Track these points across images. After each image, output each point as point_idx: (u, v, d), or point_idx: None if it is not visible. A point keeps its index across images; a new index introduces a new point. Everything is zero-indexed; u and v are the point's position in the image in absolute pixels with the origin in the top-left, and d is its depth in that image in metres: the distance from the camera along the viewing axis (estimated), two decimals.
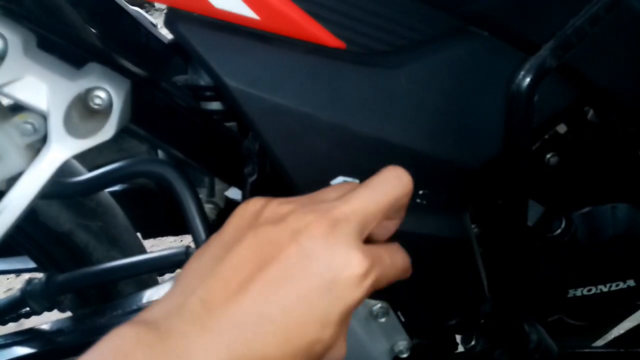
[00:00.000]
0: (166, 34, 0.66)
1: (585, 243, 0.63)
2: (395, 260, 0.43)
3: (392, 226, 0.46)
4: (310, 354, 0.35)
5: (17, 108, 0.53)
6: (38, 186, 0.48)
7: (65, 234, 0.73)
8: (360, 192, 0.41)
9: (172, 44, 0.65)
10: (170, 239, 1.76)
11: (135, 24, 0.64)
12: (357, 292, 0.37)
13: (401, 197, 0.42)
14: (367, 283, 0.37)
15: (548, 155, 0.63)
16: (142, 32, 0.65)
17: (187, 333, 0.32)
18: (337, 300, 0.36)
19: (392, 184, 0.42)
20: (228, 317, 0.33)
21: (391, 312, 0.59)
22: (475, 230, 0.63)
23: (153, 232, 0.96)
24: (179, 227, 0.94)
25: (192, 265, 0.38)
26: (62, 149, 0.47)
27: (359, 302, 0.38)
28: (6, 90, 0.46)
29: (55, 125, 0.47)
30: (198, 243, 0.55)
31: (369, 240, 0.41)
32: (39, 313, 0.68)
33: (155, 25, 0.70)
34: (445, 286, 0.60)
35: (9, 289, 1.80)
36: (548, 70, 0.50)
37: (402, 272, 0.45)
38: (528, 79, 0.50)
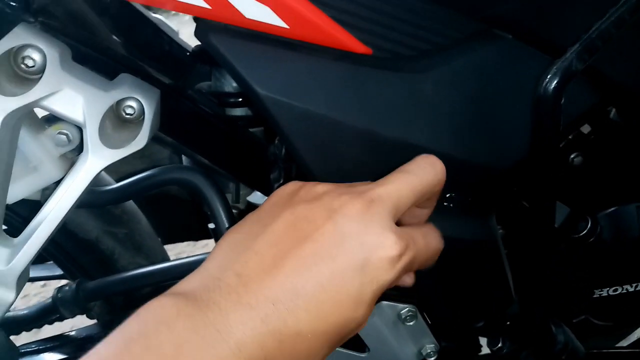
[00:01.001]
0: (186, 39, 0.67)
1: (611, 243, 0.63)
2: (429, 242, 0.43)
3: (422, 215, 0.46)
4: (342, 332, 0.36)
5: (51, 119, 0.54)
6: (75, 196, 0.49)
7: (92, 242, 0.74)
8: (395, 176, 0.41)
9: (196, 51, 0.66)
10: (183, 243, 1.76)
11: (157, 31, 0.65)
12: (390, 273, 0.37)
13: (434, 184, 0.43)
14: (400, 265, 0.38)
15: (572, 156, 0.63)
16: (165, 40, 0.65)
17: (224, 306, 0.33)
18: (371, 280, 0.36)
19: (425, 171, 0.43)
20: (263, 291, 0.34)
21: (419, 316, 0.59)
22: (501, 232, 0.64)
23: (173, 238, 0.97)
24: (198, 232, 0.96)
25: (227, 239, 0.38)
26: (97, 159, 0.48)
27: (392, 283, 0.38)
28: (45, 103, 0.47)
29: (92, 136, 0.48)
30: None
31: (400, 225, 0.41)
32: (65, 319, 0.69)
33: (176, 32, 0.71)
34: (472, 288, 0.60)
35: (25, 295, 1.81)
36: (574, 73, 0.50)
37: (435, 254, 0.45)
38: (555, 82, 0.50)
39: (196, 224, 0.91)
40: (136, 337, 0.32)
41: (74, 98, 0.48)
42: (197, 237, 0.98)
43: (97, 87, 0.49)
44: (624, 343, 0.77)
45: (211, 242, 0.90)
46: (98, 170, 0.48)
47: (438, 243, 0.45)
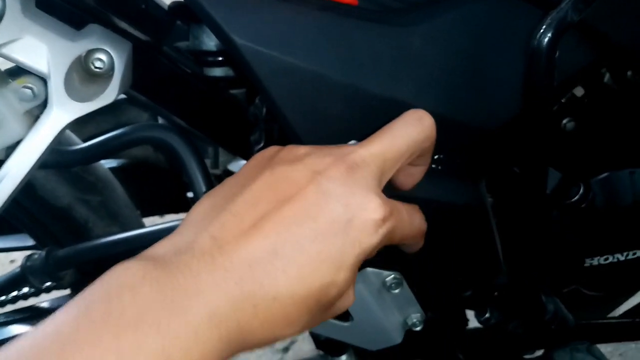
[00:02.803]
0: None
1: (603, 210, 0.62)
2: (412, 219, 0.42)
3: (417, 173, 0.44)
4: (322, 298, 0.34)
5: (15, 72, 0.50)
6: (38, 153, 0.45)
7: (64, 209, 0.71)
8: (380, 136, 0.39)
9: (172, 7, 0.62)
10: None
11: None
12: (373, 237, 0.36)
13: (423, 140, 0.41)
14: (384, 230, 0.36)
15: (565, 120, 0.61)
16: None
17: (196, 269, 0.31)
18: (353, 243, 0.34)
19: (413, 127, 0.41)
20: (239, 253, 0.32)
21: (405, 284, 0.57)
22: (490, 199, 0.62)
23: (153, 209, 0.94)
24: (180, 204, 0.93)
25: (203, 203, 0.36)
26: (63, 112, 0.45)
27: (374, 249, 0.37)
28: (5, 51, 0.43)
29: (56, 87, 0.44)
30: None
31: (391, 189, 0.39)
32: (38, 290, 0.66)
33: None
34: (460, 256, 0.58)
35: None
36: (570, 25, 0.48)
37: (417, 233, 0.43)
38: (549, 34, 0.48)
39: (176, 195, 0.88)
40: (97, 302, 0.30)
41: (37, 47, 0.44)
42: (177, 209, 0.95)
43: (63, 37, 0.46)
44: (614, 314, 0.76)
45: None
46: (63, 124, 0.45)
47: (422, 223, 0.43)
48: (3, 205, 0.45)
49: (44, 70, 0.45)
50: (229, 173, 0.70)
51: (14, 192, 0.46)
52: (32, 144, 0.46)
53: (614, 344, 1.20)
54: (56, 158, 0.51)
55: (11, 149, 0.51)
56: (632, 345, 1.24)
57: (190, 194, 0.68)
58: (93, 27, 0.49)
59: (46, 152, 0.46)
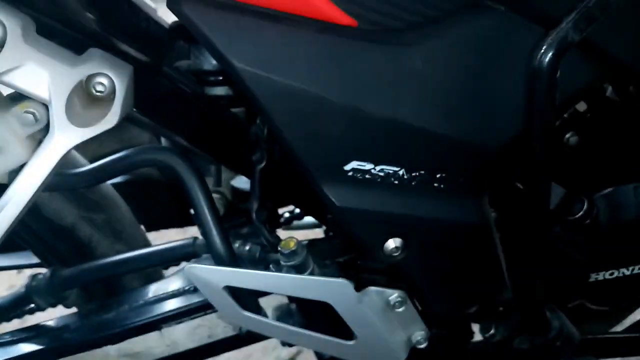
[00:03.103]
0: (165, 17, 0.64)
1: (607, 225, 0.61)
2: None
3: None
4: None
5: (17, 98, 0.51)
6: (41, 178, 0.46)
7: (69, 228, 0.71)
8: None
9: (173, 27, 0.62)
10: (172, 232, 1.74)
11: (134, 7, 0.61)
12: None
13: None
14: None
15: (568, 135, 0.61)
16: (142, 17, 0.62)
17: None
18: None
19: None
20: None
21: (408, 302, 0.57)
22: (493, 215, 0.61)
23: (156, 224, 0.94)
24: (183, 218, 0.93)
25: None
26: (65, 138, 0.45)
27: None
28: (6, 78, 0.44)
29: (58, 113, 0.45)
30: (207, 233, 0.53)
31: None
32: (43, 309, 0.66)
33: (154, 9, 0.67)
34: (464, 273, 0.58)
35: (11, 286, 1.78)
36: (570, 44, 0.48)
37: None
38: (550, 54, 0.47)
39: (180, 210, 0.88)
40: None
41: (38, 73, 0.45)
42: (181, 223, 0.95)
43: (64, 62, 0.46)
44: (618, 328, 0.75)
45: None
46: (65, 150, 0.45)
47: None
48: (8, 229, 0.45)
49: (45, 96, 0.46)
50: (236, 192, 0.70)
51: (19, 215, 0.46)
52: (35, 169, 0.46)
53: (618, 359, 1.19)
54: (61, 181, 0.51)
55: (14, 173, 0.51)
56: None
57: (193, 211, 0.68)
58: (93, 52, 0.49)
59: (49, 177, 0.46)
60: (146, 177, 0.87)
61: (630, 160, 0.63)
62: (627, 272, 0.64)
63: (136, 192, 0.87)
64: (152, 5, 0.70)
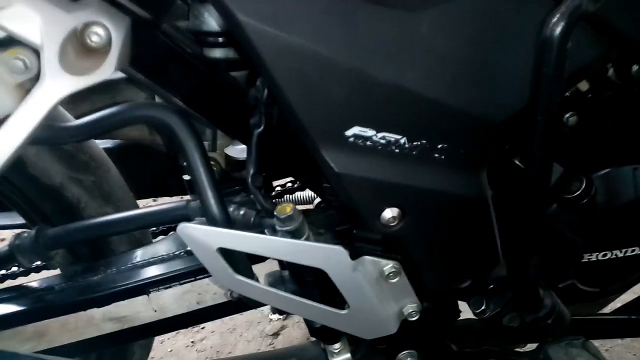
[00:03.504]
0: None
1: (604, 206, 0.61)
2: None
3: None
4: None
5: (6, 43, 0.48)
6: (29, 127, 0.44)
7: (56, 188, 0.69)
8: None
9: None
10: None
11: None
12: None
13: None
14: None
15: (567, 115, 0.60)
16: None
17: None
18: None
19: None
20: None
21: (402, 273, 0.56)
22: (490, 192, 0.61)
23: (147, 192, 0.93)
24: (174, 187, 0.91)
25: None
26: (56, 85, 0.43)
27: None
28: None
29: (49, 60, 0.43)
30: (202, 195, 0.51)
31: None
32: (27, 269, 0.65)
33: None
34: (460, 247, 0.58)
35: None
36: (584, 15, 0.47)
37: None
38: (562, 24, 0.46)
39: (171, 178, 0.86)
40: None
41: (29, 16, 0.43)
42: (172, 192, 0.93)
43: (58, 6, 0.44)
44: (606, 310, 0.76)
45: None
46: (57, 99, 0.43)
47: None
48: None
49: (37, 41, 0.43)
50: (230, 160, 0.68)
51: (2, 168, 0.44)
52: (23, 118, 0.44)
53: (601, 339, 1.21)
54: (48, 134, 0.49)
55: (0, 123, 0.49)
56: (619, 341, 1.25)
57: (186, 177, 0.66)
58: (90, 0, 0.47)
59: (38, 127, 0.44)
60: (137, 143, 0.84)
61: (629, 141, 0.63)
62: (620, 254, 0.64)
63: (127, 157, 0.85)
64: None
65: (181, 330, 1.45)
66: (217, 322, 1.46)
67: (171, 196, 0.98)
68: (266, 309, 1.41)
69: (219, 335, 1.46)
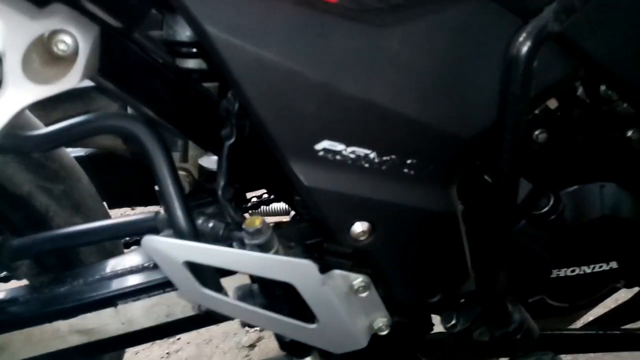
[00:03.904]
0: None
1: (572, 222, 0.62)
2: None
3: None
4: None
5: None
6: None
7: (24, 197, 0.68)
8: None
9: None
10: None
11: None
12: None
13: None
14: None
15: (537, 132, 0.61)
16: None
17: None
18: None
19: None
20: None
21: (372, 287, 0.56)
22: (460, 207, 0.61)
23: (120, 201, 0.91)
24: (148, 197, 0.90)
25: None
26: (18, 94, 0.42)
27: None
28: None
29: (12, 66, 0.42)
30: (169, 207, 0.51)
31: None
32: None
33: None
34: (429, 261, 0.58)
35: None
36: (549, 35, 0.48)
37: None
38: (529, 43, 0.47)
39: (145, 188, 0.85)
40: None
41: None
42: (146, 202, 0.92)
43: (22, 13, 0.43)
44: (576, 325, 0.76)
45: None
46: (19, 107, 0.42)
47: None
48: None
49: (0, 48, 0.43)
50: (203, 171, 0.67)
51: None
52: None
53: (571, 354, 1.22)
54: (13, 142, 0.48)
55: None
56: (591, 355, 1.26)
57: (157, 187, 0.66)
58: (57, 7, 0.47)
59: (0, 135, 0.43)
60: (110, 152, 0.83)
61: (597, 159, 0.64)
62: (588, 270, 0.65)
63: (99, 166, 0.84)
64: None
65: (157, 341, 1.43)
66: (193, 333, 1.44)
67: (146, 206, 0.96)
68: None
69: (194, 346, 1.44)
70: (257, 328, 1.41)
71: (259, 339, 1.41)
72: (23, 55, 0.43)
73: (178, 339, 1.46)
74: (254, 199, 1.08)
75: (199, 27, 0.44)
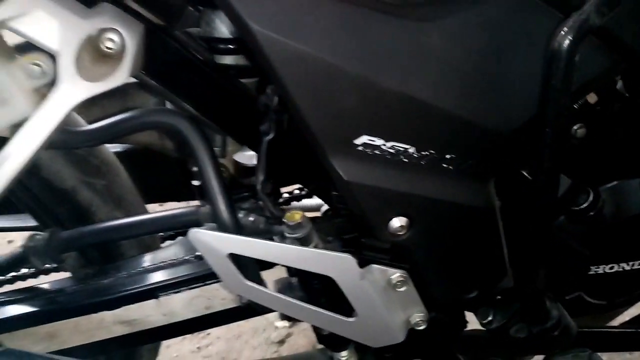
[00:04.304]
0: None
1: (611, 218, 0.61)
2: None
3: None
4: None
5: (24, 48, 0.50)
6: (45, 132, 0.45)
7: (69, 191, 0.70)
8: None
9: None
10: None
11: None
12: None
13: None
14: None
15: (576, 127, 0.60)
16: None
17: None
18: None
19: None
20: None
21: (410, 282, 0.56)
22: (498, 202, 0.61)
23: (155, 196, 0.93)
24: (182, 192, 0.92)
25: None
26: (72, 91, 0.44)
27: None
28: (14, 24, 0.43)
29: (66, 64, 0.44)
30: (213, 201, 0.52)
31: None
32: (39, 270, 0.66)
33: None
34: (467, 257, 0.58)
35: None
36: (591, 28, 0.47)
37: None
38: (570, 37, 0.47)
39: (180, 184, 0.87)
40: None
41: (47, 22, 0.44)
42: (180, 197, 0.94)
43: (75, 13, 0.45)
44: (614, 323, 0.75)
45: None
46: (73, 103, 0.44)
47: None
48: (8, 186, 0.44)
49: (54, 46, 0.45)
50: (238, 166, 0.69)
51: (18, 172, 0.45)
52: (39, 122, 0.45)
53: (608, 353, 1.20)
54: (63, 138, 0.50)
55: (17, 127, 0.50)
56: (627, 355, 1.24)
57: (195, 182, 0.67)
58: (105, 6, 0.48)
59: (53, 131, 0.45)
60: (147, 148, 0.85)
61: (636, 154, 0.63)
62: (627, 267, 0.64)
63: (137, 161, 0.85)
64: None
65: (187, 336, 1.46)
66: (223, 328, 1.46)
67: (179, 201, 0.98)
68: (271, 316, 1.41)
69: (224, 341, 1.46)
70: (287, 324, 1.43)
71: (288, 335, 1.43)
72: (76, 53, 0.44)
73: (208, 334, 1.48)
74: (285, 195, 1.09)
75: (243, 25, 0.45)
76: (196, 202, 0.70)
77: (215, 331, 1.47)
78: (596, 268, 0.64)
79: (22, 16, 0.43)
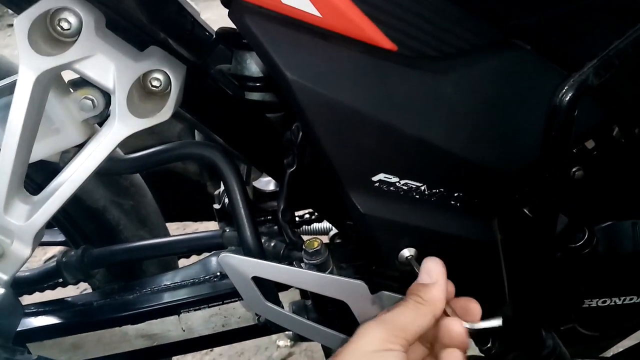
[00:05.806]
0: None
1: (604, 256, 0.65)
2: None
3: None
4: None
5: (78, 84, 0.55)
6: (98, 160, 0.50)
7: (99, 210, 0.75)
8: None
9: (220, 33, 0.67)
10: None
11: (181, 10, 0.66)
12: None
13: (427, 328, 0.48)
14: None
15: (574, 169, 0.65)
16: (188, 19, 0.66)
17: None
18: None
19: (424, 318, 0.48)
20: None
21: None
22: (500, 237, 0.65)
23: (175, 216, 0.98)
24: (201, 212, 0.96)
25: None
26: (124, 126, 0.49)
27: None
28: (78, 66, 0.48)
29: (120, 103, 0.49)
30: (240, 227, 0.57)
31: None
32: (68, 284, 0.70)
33: (198, 12, 0.71)
34: (470, 287, 0.62)
35: None
36: (590, 87, 0.52)
37: None
38: (571, 94, 0.52)
39: (199, 205, 0.91)
40: None
41: (106, 64, 0.49)
42: (199, 217, 0.98)
43: (129, 56, 0.50)
44: (608, 354, 0.79)
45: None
46: (123, 137, 0.49)
47: None
48: (62, 206, 0.49)
49: (110, 86, 0.50)
50: (256, 192, 0.73)
51: (71, 194, 0.50)
52: (93, 152, 0.50)
53: None
54: (108, 165, 0.54)
55: (67, 153, 0.55)
56: None
57: (216, 206, 0.72)
58: (153, 49, 0.54)
59: (104, 160, 0.50)
60: (170, 170, 0.90)
61: (630, 197, 0.68)
62: (619, 302, 0.68)
63: (160, 183, 0.90)
64: (197, 8, 0.74)
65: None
66: (226, 346, 1.48)
67: (195, 221, 1.03)
68: (274, 335, 1.44)
69: (227, 358, 1.48)
70: (289, 344, 1.46)
71: (290, 355, 1.45)
72: (128, 92, 0.49)
73: (211, 350, 1.50)
74: (296, 219, 1.13)
75: (279, 72, 0.50)
76: (209, 222, 0.74)
77: (218, 348, 1.49)
78: (590, 301, 0.68)
79: (86, 59, 0.48)
